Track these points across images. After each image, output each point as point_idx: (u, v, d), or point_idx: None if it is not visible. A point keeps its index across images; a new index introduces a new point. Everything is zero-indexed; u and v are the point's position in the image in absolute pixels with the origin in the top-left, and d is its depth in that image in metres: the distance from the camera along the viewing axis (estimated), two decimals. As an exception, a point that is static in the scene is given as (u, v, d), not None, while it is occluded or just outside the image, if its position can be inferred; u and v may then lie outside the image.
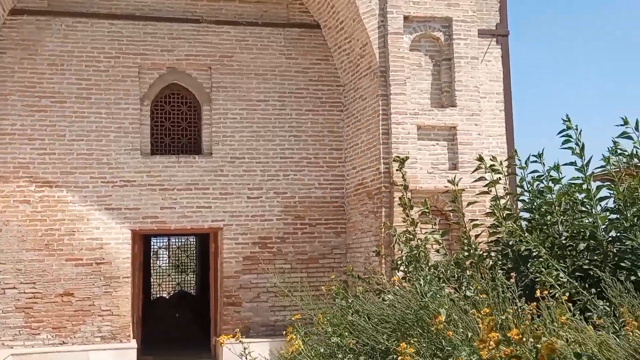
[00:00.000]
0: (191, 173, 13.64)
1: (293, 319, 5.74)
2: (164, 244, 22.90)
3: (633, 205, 5.92)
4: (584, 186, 6.21)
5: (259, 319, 13.44)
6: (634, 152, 6.29)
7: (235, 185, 13.78)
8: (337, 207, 14.21)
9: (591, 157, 6.24)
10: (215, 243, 14.18)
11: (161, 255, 23.20)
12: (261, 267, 13.44)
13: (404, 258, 6.49)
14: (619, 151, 6.29)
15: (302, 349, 5.08)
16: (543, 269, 5.20)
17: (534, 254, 5.88)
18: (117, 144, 13.37)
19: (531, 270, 5.43)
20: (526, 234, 5.92)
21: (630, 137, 6.27)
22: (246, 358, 5.32)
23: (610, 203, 6.35)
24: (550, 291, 4.82)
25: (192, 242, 22.62)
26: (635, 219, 5.87)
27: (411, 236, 6.67)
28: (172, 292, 22.52)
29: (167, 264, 23.40)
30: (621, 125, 6.29)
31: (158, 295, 21.81)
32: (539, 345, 3.09)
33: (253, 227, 13.76)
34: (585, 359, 2.86)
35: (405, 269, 6.32)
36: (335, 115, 14.37)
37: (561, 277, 4.83)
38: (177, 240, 22.78)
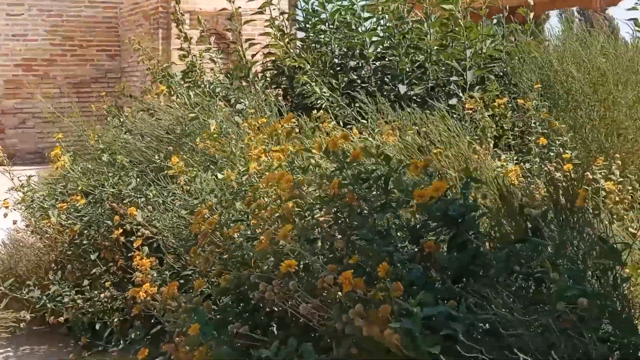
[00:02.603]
0: None
1: (56, 138, 5.41)
2: None
3: (401, 25, 6.18)
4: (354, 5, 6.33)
5: (26, 146, 12.60)
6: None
7: (-10, 1, 12.31)
8: (111, 28, 13.32)
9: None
10: (-29, 66, 12.80)
11: None
12: (26, 91, 12.44)
13: (177, 75, 6.31)
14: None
15: (68, 166, 4.84)
16: (311, 84, 5.34)
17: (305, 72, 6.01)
18: None
19: (299, 85, 5.57)
20: (298, 52, 5.99)
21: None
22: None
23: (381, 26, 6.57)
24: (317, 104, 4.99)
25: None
26: (401, 37, 6.15)
27: (185, 52, 6.47)
28: None
29: None
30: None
31: None
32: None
33: (15, 47, 12.54)
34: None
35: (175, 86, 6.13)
36: None
37: (324, 92, 5.00)
38: None
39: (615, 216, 3.39)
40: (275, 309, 2.81)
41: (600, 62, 5.19)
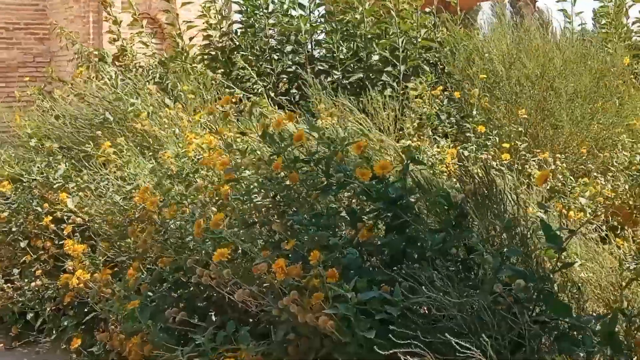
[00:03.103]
0: None
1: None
2: None
3: (344, 13, 6.18)
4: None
5: (-50, 132, 12.13)
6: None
7: None
8: (39, 11, 12.85)
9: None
10: None
11: None
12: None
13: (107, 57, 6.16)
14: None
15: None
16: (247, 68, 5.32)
17: (246, 57, 5.97)
18: None
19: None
20: (237, 36, 5.93)
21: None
22: None
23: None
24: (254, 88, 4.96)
25: None
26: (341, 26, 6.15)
27: (115, 36, 6.33)
28: None
29: None
30: None
31: None
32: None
33: (-64, 29, 11.99)
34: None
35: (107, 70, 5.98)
36: None
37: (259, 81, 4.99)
38: None
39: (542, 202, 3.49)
40: (214, 294, 2.78)
41: (546, 50, 5.33)
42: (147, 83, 5.25)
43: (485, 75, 5.61)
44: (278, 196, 2.91)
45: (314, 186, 2.81)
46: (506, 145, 4.75)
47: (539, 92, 5.48)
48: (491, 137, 5.01)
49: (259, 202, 2.97)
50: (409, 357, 1.87)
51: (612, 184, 4.51)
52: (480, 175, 2.40)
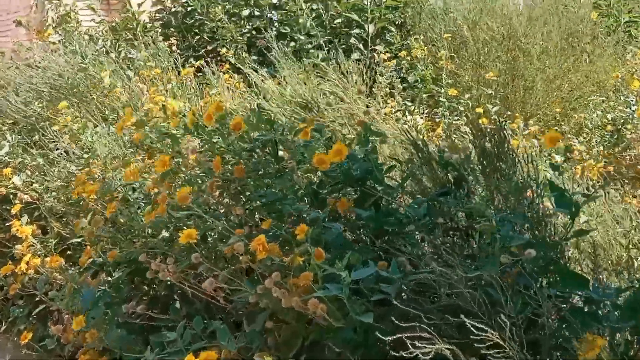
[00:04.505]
0: None
1: None
2: None
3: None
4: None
5: None
6: None
7: None
8: (-26, -20, 12.14)
9: None
10: None
11: None
12: None
13: (53, 24, 5.75)
14: None
15: None
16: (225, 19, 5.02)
17: (202, 22, 5.65)
18: None
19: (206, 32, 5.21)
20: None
21: None
22: None
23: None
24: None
25: None
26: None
27: (57, 1, 5.93)
28: None
29: None
30: None
31: None
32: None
33: None
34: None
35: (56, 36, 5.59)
36: None
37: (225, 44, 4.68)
38: None
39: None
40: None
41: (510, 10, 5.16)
42: (106, 53, 4.86)
43: (449, 35, 5.40)
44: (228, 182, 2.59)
45: (265, 173, 2.50)
46: (479, 109, 4.57)
47: (507, 52, 5.32)
48: (463, 100, 4.81)
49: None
50: (416, 342, 1.62)
51: (586, 145, 4.42)
52: (491, 133, 2.12)
